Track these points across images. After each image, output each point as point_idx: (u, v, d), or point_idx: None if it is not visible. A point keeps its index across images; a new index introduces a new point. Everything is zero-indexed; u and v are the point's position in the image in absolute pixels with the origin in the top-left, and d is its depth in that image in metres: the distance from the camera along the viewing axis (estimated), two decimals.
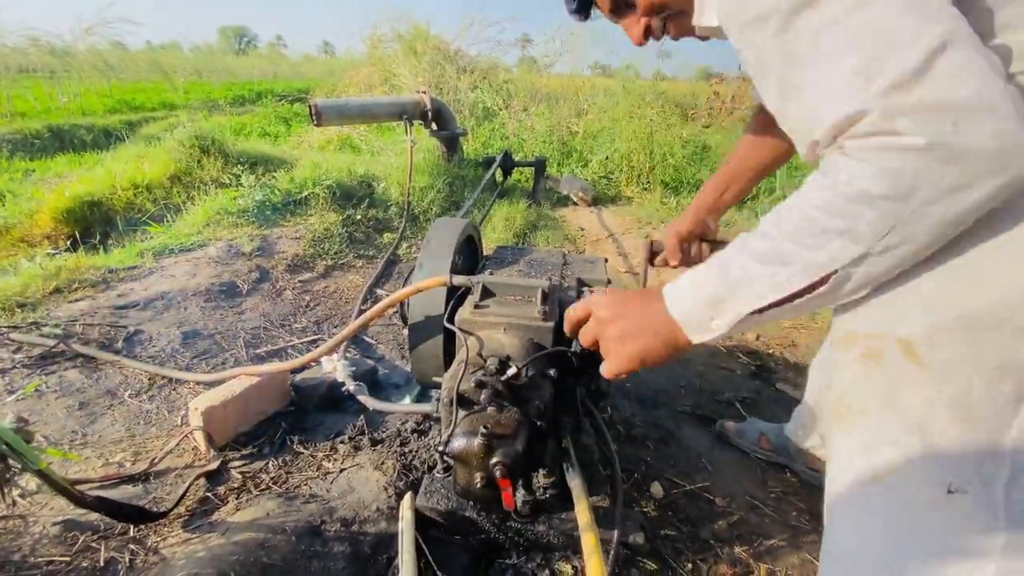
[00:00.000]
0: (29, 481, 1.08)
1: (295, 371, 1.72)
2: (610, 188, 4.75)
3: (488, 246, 3.24)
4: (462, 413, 1.01)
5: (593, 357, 1.24)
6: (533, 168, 4.44)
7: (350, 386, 1.61)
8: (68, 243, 3.29)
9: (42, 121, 7.16)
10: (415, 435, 1.52)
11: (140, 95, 10.07)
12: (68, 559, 1.07)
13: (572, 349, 1.13)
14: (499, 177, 4.43)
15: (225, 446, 1.43)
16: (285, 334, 2.14)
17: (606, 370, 0.82)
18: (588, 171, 4.95)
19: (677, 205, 4.19)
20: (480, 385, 0.98)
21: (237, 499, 1.24)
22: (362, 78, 7.91)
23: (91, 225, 3.50)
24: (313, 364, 1.72)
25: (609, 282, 1.47)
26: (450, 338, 1.29)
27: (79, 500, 0.98)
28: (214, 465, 1.33)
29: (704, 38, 0.89)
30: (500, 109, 6.27)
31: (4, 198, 3.93)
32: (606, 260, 1.63)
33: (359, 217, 3.29)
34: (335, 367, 1.68)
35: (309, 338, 2.13)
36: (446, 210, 3.72)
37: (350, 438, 1.49)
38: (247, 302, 2.35)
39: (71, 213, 3.49)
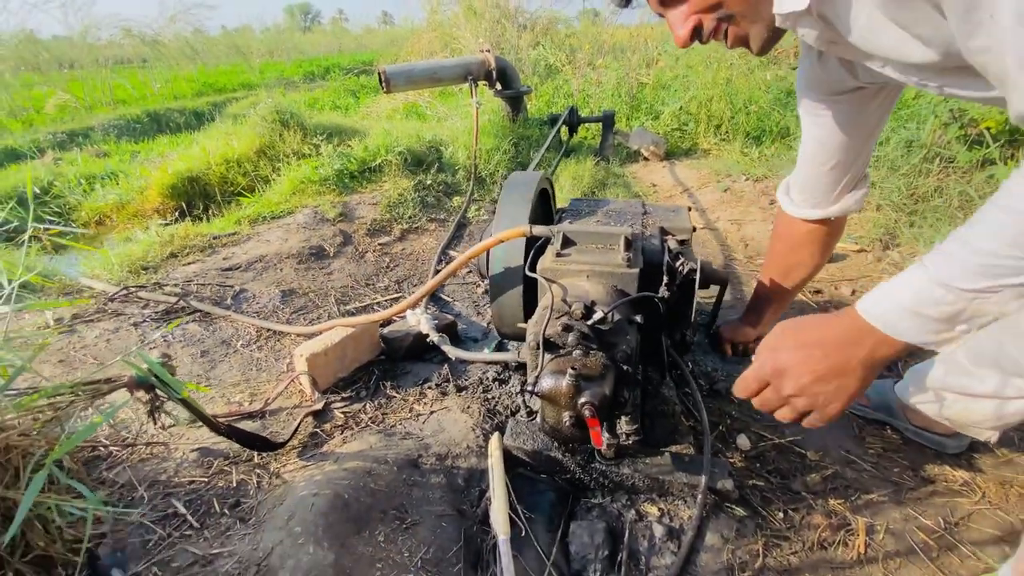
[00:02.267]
0: (172, 410, 1.24)
1: (384, 323, 1.83)
2: (684, 140, 4.50)
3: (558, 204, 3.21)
4: (548, 356, 1.03)
5: (680, 305, 1.21)
6: (600, 124, 4.29)
7: (434, 337, 1.69)
8: (176, 215, 3.64)
9: (140, 107, 7.85)
10: (496, 383, 1.58)
11: (222, 78, 10.73)
12: (206, 479, 1.23)
13: (659, 295, 1.11)
14: (565, 135, 4.33)
15: (327, 389, 1.56)
16: (370, 292, 2.27)
17: (821, 422, 0.80)
18: (659, 124, 4.71)
19: (759, 155, 3.89)
20: (566, 329, 1.00)
21: (342, 435, 1.36)
22: (423, 45, 7.93)
23: (193, 198, 3.85)
24: (400, 317, 1.82)
25: (694, 229, 1.42)
26: (530, 288, 1.31)
27: (215, 427, 1.12)
28: (319, 405, 1.46)
29: (772, 38, 0.83)
30: (564, 65, 6.06)
31: (118, 178, 4.40)
32: (689, 208, 1.57)
33: (429, 182, 3.37)
34: (419, 320, 1.76)
35: (392, 296, 2.24)
36: (512, 171, 3.70)
37: (437, 385, 1.58)
38: (334, 263, 2.51)
39: (175, 188, 3.85)
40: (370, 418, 1.44)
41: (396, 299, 2.22)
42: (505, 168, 3.72)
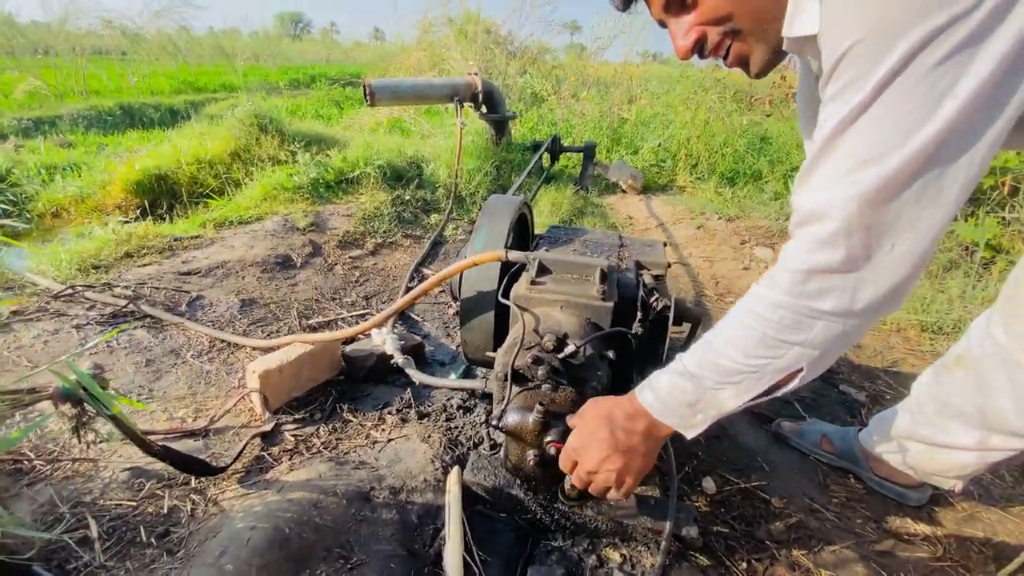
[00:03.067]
0: (102, 428, 1.14)
1: (346, 341, 1.75)
2: (661, 176, 4.60)
3: (537, 229, 3.20)
4: (516, 389, 0.99)
5: (653, 342, 1.19)
6: (582, 154, 4.35)
7: (398, 359, 1.62)
8: (137, 213, 3.48)
9: (114, 99, 7.60)
10: (461, 411, 1.52)
11: (203, 77, 10.54)
12: (135, 504, 1.12)
13: (632, 331, 1.09)
14: (547, 162, 4.37)
15: (279, 409, 1.47)
16: (336, 307, 2.19)
17: (619, 496, 0.91)
18: (638, 158, 4.81)
19: (732, 196, 4.01)
20: (536, 361, 0.96)
21: (290, 460, 1.27)
22: (412, 63, 7.97)
23: (158, 197, 3.69)
24: (363, 336, 1.74)
25: (669, 266, 1.41)
26: (502, 314, 1.27)
27: (148, 448, 1.02)
28: (269, 426, 1.37)
29: (773, 61, 0.79)
30: (549, 94, 6.17)
31: (80, 170, 4.20)
32: (665, 244, 1.56)
33: (408, 197, 3.32)
34: (384, 340, 1.70)
35: (358, 312, 2.16)
36: (492, 193, 3.70)
37: (397, 410, 1.50)
38: (300, 275, 2.41)
39: (140, 185, 3.69)
40: (323, 443, 1.35)
41: (363, 316, 2.14)
42: (486, 189, 3.71)
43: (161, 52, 10.90)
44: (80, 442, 0.97)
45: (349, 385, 1.65)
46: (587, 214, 3.67)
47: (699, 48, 0.79)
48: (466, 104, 3.83)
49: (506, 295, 1.14)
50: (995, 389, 0.99)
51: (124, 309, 1.92)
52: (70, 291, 1.98)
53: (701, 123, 4.64)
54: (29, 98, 7.28)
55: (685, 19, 0.78)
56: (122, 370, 1.62)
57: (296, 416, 1.47)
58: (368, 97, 3.34)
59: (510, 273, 1.26)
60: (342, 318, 2.11)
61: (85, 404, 0.92)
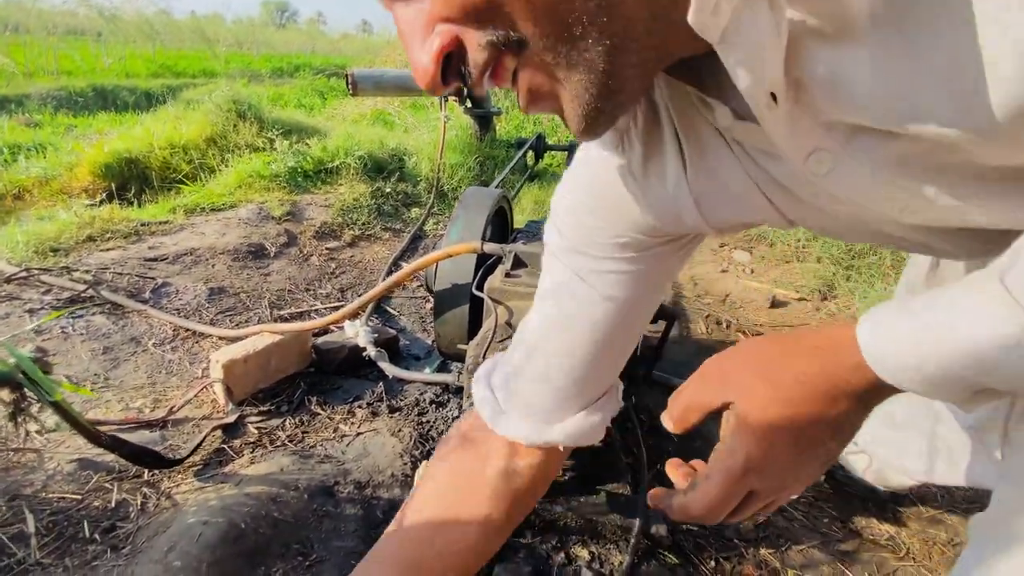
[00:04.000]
0: (48, 417, 1.07)
1: (317, 332, 1.70)
2: None
3: (517, 226, 3.17)
4: None
5: None
6: (566, 153, 4.34)
7: (371, 352, 1.58)
8: (104, 196, 3.34)
9: (87, 80, 7.34)
10: (433, 406, 1.48)
11: (182, 62, 10.25)
12: (79, 497, 1.06)
13: None
14: (531, 160, 4.35)
15: (243, 401, 1.42)
16: (309, 298, 2.13)
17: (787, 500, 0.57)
18: None
19: None
20: None
21: (252, 453, 1.22)
22: (399, 56, 7.88)
23: (127, 181, 3.56)
24: (336, 327, 1.69)
25: None
26: (476, 307, 1.25)
27: (94, 437, 0.96)
28: (231, 418, 1.32)
29: (607, 102, 0.38)
30: None
31: (46, 150, 4.03)
32: None
33: (388, 190, 3.26)
34: (357, 332, 1.65)
35: (333, 304, 2.11)
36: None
37: (368, 403, 1.46)
38: (274, 264, 2.35)
39: (109, 168, 3.55)
40: (288, 436, 1.31)
41: (337, 308, 2.08)
42: (468, 184, 3.67)
43: (138, 34, 10.58)
44: (18, 430, 0.91)
45: (319, 377, 1.60)
46: None
47: (453, 69, 0.39)
48: (451, 98, 3.78)
49: (481, 287, 1.11)
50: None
51: (83, 294, 1.83)
52: (24, 274, 1.89)
53: None
54: None
55: (419, 7, 0.38)
56: (76, 357, 1.54)
57: (261, 408, 1.42)
58: (351, 87, 3.28)
59: (486, 265, 1.23)
60: (315, 310, 2.05)
61: (25, 389, 0.87)
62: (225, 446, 1.26)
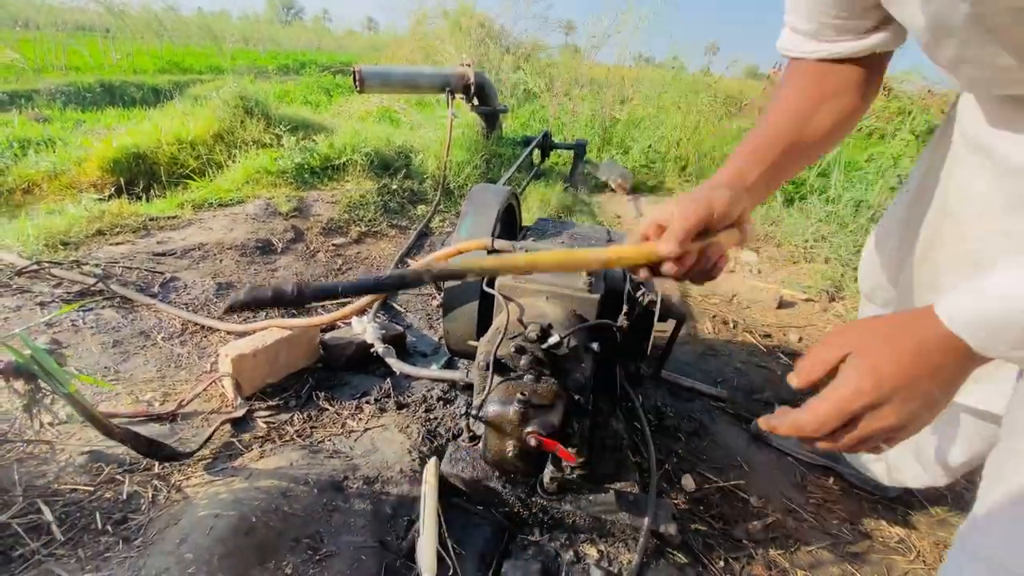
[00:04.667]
0: (61, 409, 1.08)
1: (325, 328, 1.70)
2: (650, 177, 4.61)
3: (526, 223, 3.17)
4: (498, 379, 0.96)
5: (637, 335, 1.17)
6: (572, 151, 4.33)
7: (379, 348, 1.58)
8: (113, 191, 3.36)
9: (95, 76, 7.36)
10: (441, 403, 1.49)
11: (189, 58, 10.28)
12: (91, 489, 1.07)
13: (617, 324, 1.07)
14: (537, 158, 4.34)
15: (252, 395, 1.42)
16: None
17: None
18: (629, 159, 4.81)
19: None
20: (519, 351, 0.93)
21: (261, 447, 1.23)
22: (405, 54, 7.89)
23: (135, 176, 3.57)
24: (343, 323, 1.70)
25: None
26: (486, 304, 1.24)
27: (106, 429, 0.97)
28: (240, 412, 1.32)
29: None
30: (542, 91, 6.15)
31: (55, 145, 4.05)
32: None
33: (395, 187, 3.27)
34: (365, 328, 1.65)
35: (339, 300, 2.11)
36: None
37: (376, 399, 1.47)
38: (281, 260, 2.35)
39: (117, 163, 3.56)
40: (296, 431, 1.31)
41: (343, 305, 2.09)
42: (475, 182, 3.66)
43: (146, 30, 10.61)
44: (32, 421, 0.92)
45: (327, 373, 1.60)
46: (576, 211, 3.66)
47: None
48: (458, 95, 3.78)
49: (491, 284, 1.11)
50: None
51: (93, 288, 1.84)
52: (35, 267, 1.90)
53: (692, 126, 4.66)
54: (5, 71, 7.01)
55: None
56: (87, 350, 1.55)
57: (270, 403, 1.42)
58: (358, 83, 3.28)
59: None
60: (322, 306, 2.06)
61: (39, 381, 0.87)
62: (234, 440, 1.26)
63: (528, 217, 3.30)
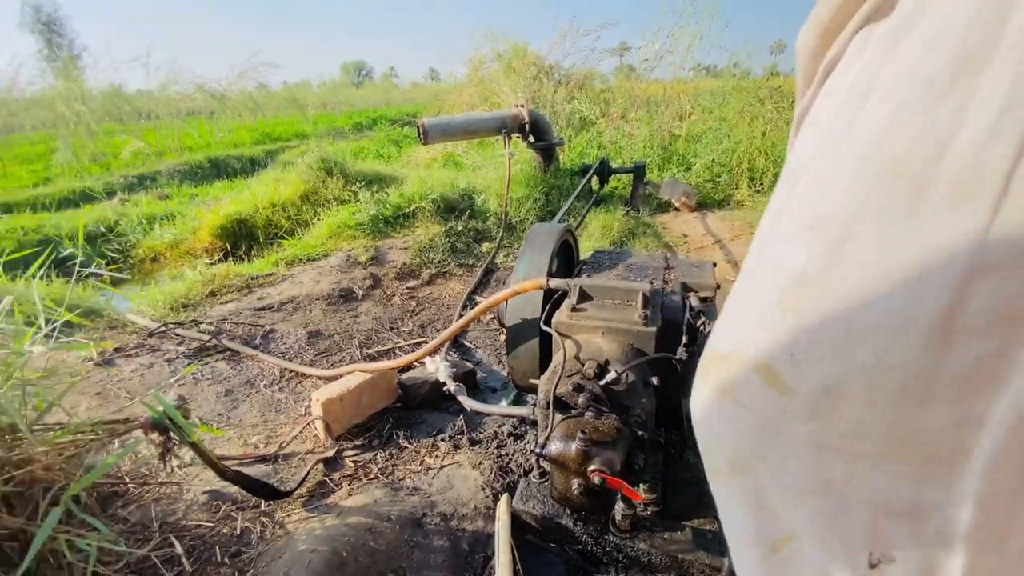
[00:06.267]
0: (185, 453, 1.25)
1: (402, 369, 1.82)
2: (717, 191, 4.47)
3: (584, 253, 3.19)
4: (559, 417, 0.99)
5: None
6: (631, 175, 4.32)
7: (450, 387, 1.66)
8: (221, 255, 3.84)
9: (204, 154, 8.51)
10: (511, 438, 1.53)
11: (279, 127, 11.58)
12: (212, 524, 1.22)
13: (676, 356, 1.06)
14: (596, 185, 4.38)
15: (340, 436, 1.55)
16: (393, 336, 2.29)
17: None
18: (692, 175, 4.70)
19: None
20: (577, 389, 0.96)
21: (349, 485, 1.34)
22: (464, 99, 8.33)
23: (239, 239, 4.06)
24: (418, 364, 1.81)
25: (718, 287, 1.37)
26: (546, 341, 1.28)
27: (223, 473, 1.11)
28: (331, 452, 1.45)
29: None
30: (597, 118, 6.22)
31: (175, 218, 4.71)
32: (714, 264, 1.52)
33: (460, 228, 3.44)
34: (437, 368, 1.75)
35: (414, 340, 2.25)
36: (541, 219, 3.75)
37: (450, 437, 1.54)
38: (362, 306, 2.55)
39: (224, 229, 4.08)
40: (380, 469, 1.41)
41: (419, 344, 2.22)
42: (535, 216, 3.77)
43: (243, 108, 12.10)
44: (165, 467, 1.08)
45: (405, 412, 1.71)
46: (638, 234, 3.62)
47: None
48: (514, 135, 3.94)
49: (549, 322, 1.16)
50: None
51: (208, 343, 2.11)
52: (163, 329, 2.22)
53: (759, 134, 4.49)
54: (134, 157, 8.31)
55: None
56: (204, 399, 1.78)
57: (356, 442, 1.55)
58: (422, 136, 3.54)
59: (553, 300, 1.27)
60: (399, 347, 2.20)
61: (171, 432, 1.03)
62: (326, 479, 1.39)
63: (589, 246, 3.32)
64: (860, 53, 0.35)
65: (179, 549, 1.11)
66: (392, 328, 2.37)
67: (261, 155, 8.57)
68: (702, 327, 1.14)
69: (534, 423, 1.57)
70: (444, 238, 3.27)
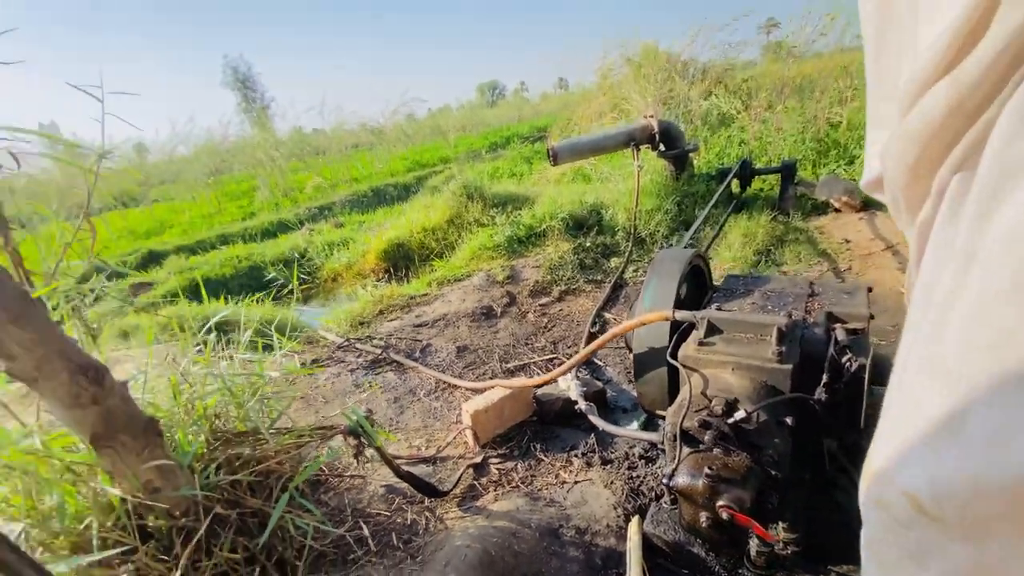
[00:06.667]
0: (369, 453, 1.55)
1: (537, 387, 1.98)
2: None
3: (723, 267, 3.06)
4: (686, 450, 1.03)
5: (841, 409, 1.09)
6: (778, 175, 3.97)
7: (581, 405, 1.77)
8: (384, 276, 4.47)
9: (367, 184, 9.85)
10: (643, 461, 1.58)
11: (426, 154, 12.89)
12: (389, 514, 1.49)
13: (815, 397, 1.03)
14: (736, 188, 4.11)
15: (486, 444, 1.76)
16: (528, 351, 2.47)
17: None
18: (855, 170, 4.15)
19: None
20: (704, 425, 0.99)
21: (495, 491, 1.52)
22: (594, 108, 8.40)
23: (398, 261, 4.68)
24: (552, 381, 1.95)
25: (872, 317, 1.26)
26: (675, 371, 1.32)
27: (397, 471, 1.37)
28: (479, 459, 1.66)
29: None
30: (738, 112, 5.80)
31: (348, 244, 5.58)
32: (869, 289, 1.39)
33: (588, 244, 3.53)
34: (569, 386, 1.87)
35: (547, 356, 2.40)
36: (674, 231, 3.65)
37: (583, 454, 1.65)
38: (500, 323, 2.79)
39: (386, 252, 4.73)
40: (520, 478, 1.57)
41: (551, 360, 2.37)
42: (666, 227, 3.69)
43: (396, 140, 13.75)
44: (358, 464, 1.37)
45: (541, 426, 1.86)
46: (788, 242, 3.33)
47: None
48: (643, 146, 3.91)
49: (675, 355, 1.20)
50: None
51: (380, 356, 2.52)
52: (346, 343, 2.69)
53: None
54: (315, 191, 9.97)
55: None
56: (378, 405, 2.14)
57: (499, 451, 1.74)
58: (552, 159, 3.71)
59: (680, 331, 1.30)
60: (533, 362, 2.37)
61: (361, 437, 1.31)
62: (475, 482, 1.59)
63: (730, 256, 3.16)
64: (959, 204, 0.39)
65: (366, 532, 1.39)
66: (527, 344, 2.55)
67: (412, 182, 9.64)
68: (848, 364, 1.08)
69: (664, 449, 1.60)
70: (573, 255, 3.39)
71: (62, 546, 1.00)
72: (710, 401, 1.02)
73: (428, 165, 11.43)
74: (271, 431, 1.33)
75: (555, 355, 2.41)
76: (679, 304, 1.36)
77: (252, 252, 5.65)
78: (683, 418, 1.03)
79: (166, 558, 1.04)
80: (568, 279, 3.18)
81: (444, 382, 2.25)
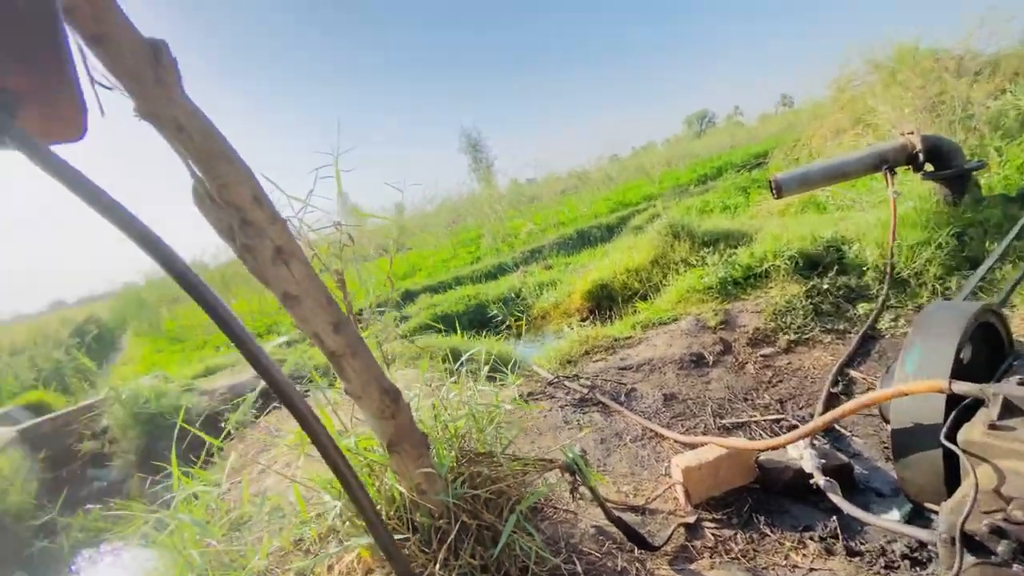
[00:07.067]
0: (584, 494, 1.64)
1: (760, 451, 1.80)
2: None
3: None
4: (970, 559, 0.83)
5: None
6: None
7: (819, 480, 1.54)
8: (588, 315, 4.64)
9: (573, 227, 10.42)
10: (907, 562, 1.29)
11: (629, 193, 13.04)
12: (600, 556, 1.54)
13: None
14: None
15: (699, 504, 1.67)
16: (748, 408, 2.26)
17: None
18: None
19: None
20: (997, 532, 0.79)
21: (711, 558, 1.43)
22: (828, 125, 7.35)
23: (601, 301, 4.82)
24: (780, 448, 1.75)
25: None
26: (952, 457, 1.07)
27: (609, 514, 1.42)
28: (691, 519, 1.58)
29: None
30: None
31: (556, 284, 5.98)
32: None
33: (825, 286, 3.07)
34: (802, 455, 1.65)
35: (772, 416, 2.16)
36: (951, 271, 2.91)
37: (821, 538, 1.43)
38: (712, 372, 2.63)
39: (590, 293, 4.93)
40: (740, 551, 1.45)
41: (777, 421, 2.12)
42: (939, 265, 2.96)
43: (599, 182, 14.29)
44: (573, 500, 1.47)
45: (764, 496, 1.68)
46: None
47: None
48: (899, 169, 3.27)
49: (952, 437, 0.98)
50: None
51: (586, 396, 2.63)
52: (556, 380, 2.89)
53: None
54: (528, 236, 10.98)
55: None
56: (586, 444, 2.22)
57: (715, 515, 1.63)
58: (775, 192, 3.40)
59: (961, 406, 1.06)
60: (755, 420, 2.16)
61: (576, 475, 1.41)
62: (688, 544, 1.52)
63: None
64: None
65: (579, 568, 1.46)
66: (746, 399, 2.34)
67: (615, 222, 9.84)
68: None
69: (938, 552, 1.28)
70: (805, 299, 2.99)
71: (361, 524, 1.34)
72: (1006, 502, 0.81)
73: (631, 204, 11.54)
74: (503, 455, 1.53)
75: (782, 415, 2.15)
76: (959, 372, 1.11)
77: (479, 291, 6.52)
78: (965, 518, 0.83)
79: (426, 551, 1.30)
80: (799, 327, 2.81)
81: (651, 430, 2.22)
